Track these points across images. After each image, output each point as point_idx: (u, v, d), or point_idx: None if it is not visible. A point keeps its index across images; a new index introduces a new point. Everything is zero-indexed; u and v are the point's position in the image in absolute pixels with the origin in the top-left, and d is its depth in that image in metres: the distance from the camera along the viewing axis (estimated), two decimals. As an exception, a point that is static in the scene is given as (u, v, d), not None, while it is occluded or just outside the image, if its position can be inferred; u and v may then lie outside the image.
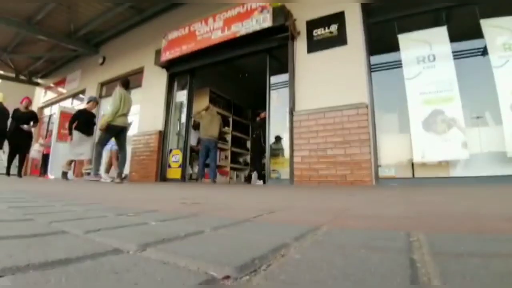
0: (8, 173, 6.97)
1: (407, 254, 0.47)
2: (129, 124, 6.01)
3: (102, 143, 5.42)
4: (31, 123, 7.12)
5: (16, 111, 7.00)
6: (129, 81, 5.87)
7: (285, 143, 5.46)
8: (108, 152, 6.65)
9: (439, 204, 1.53)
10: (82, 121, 6.22)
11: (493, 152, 4.08)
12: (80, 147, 6.11)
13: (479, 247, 0.52)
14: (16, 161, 7.70)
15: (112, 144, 6.16)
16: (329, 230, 0.71)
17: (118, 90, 5.48)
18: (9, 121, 7.08)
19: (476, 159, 4.04)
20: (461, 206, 1.39)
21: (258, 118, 7.14)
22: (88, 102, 6.58)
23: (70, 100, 10.70)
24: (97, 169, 5.40)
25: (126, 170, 7.84)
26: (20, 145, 7.00)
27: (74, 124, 6.12)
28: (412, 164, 4.33)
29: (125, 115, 5.52)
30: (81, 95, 10.21)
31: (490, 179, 3.72)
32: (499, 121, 3.95)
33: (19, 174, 7.14)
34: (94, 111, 6.71)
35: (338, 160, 4.44)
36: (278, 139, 5.81)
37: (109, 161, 6.79)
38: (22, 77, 12.00)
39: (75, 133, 6.08)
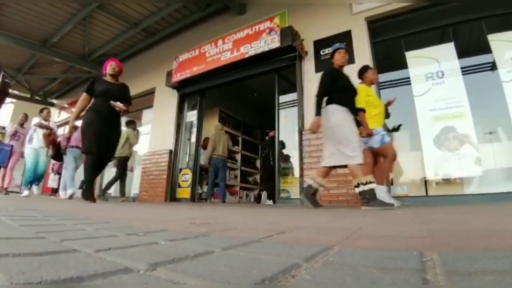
0: (87, 193, 4.00)
1: (420, 274, 0.46)
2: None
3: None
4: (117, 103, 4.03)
5: (99, 80, 4.23)
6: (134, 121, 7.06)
7: (295, 162, 5.43)
8: None
9: (452, 222, 1.49)
10: (341, 88, 3.49)
11: (507, 168, 3.98)
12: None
13: (492, 265, 0.51)
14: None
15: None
16: (341, 250, 0.70)
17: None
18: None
19: (490, 176, 3.95)
20: (475, 224, 1.35)
21: (267, 137, 7.18)
22: (337, 50, 3.63)
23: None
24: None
25: (136, 190, 7.93)
26: (110, 134, 4.10)
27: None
28: (425, 182, 4.25)
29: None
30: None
31: (504, 195, 3.62)
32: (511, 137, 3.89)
33: (89, 194, 4.01)
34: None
35: (349, 179, 4.38)
36: (287, 158, 5.79)
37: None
38: (37, 97, 12.38)
39: (336, 109, 3.37)
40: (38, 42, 8.40)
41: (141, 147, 8.13)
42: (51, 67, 10.13)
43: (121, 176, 6.49)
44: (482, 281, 0.42)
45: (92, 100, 4.15)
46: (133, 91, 8.74)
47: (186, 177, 6.79)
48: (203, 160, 7.01)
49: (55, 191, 8.58)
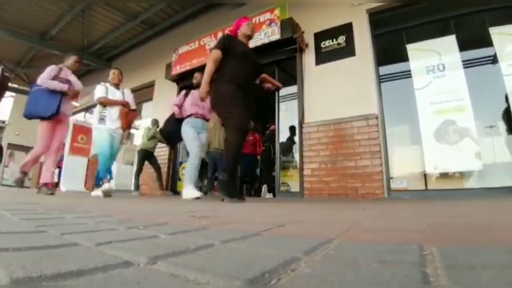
0: (231, 192, 2.91)
1: (420, 267, 0.46)
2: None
3: None
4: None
5: (234, 38, 3.32)
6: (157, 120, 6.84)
7: (295, 155, 5.44)
8: None
9: (452, 216, 1.49)
10: None
11: (507, 162, 3.98)
12: None
13: (492, 259, 0.51)
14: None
15: None
16: (340, 243, 0.70)
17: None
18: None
19: (490, 170, 3.95)
20: (475, 218, 1.35)
21: (268, 131, 7.17)
22: None
23: (83, 113, 10.94)
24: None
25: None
26: (252, 106, 3.45)
27: None
28: (425, 176, 4.26)
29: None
30: (93, 109, 10.43)
31: (504, 190, 3.62)
32: (512, 130, 3.88)
33: (234, 190, 3.09)
34: None
35: (349, 173, 4.39)
36: (288, 151, 5.79)
37: None
38: (36, 90, 12.31)
39: None
40: (37, 35, 8.34)
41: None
42: (50, 60, 10.04)
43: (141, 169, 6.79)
44: (482, 275, 0.42)
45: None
46: (133, 84, 8.77)
47: (186, 171, 6.79)
48: (203, 154, 7.00)
49: (55, 185, 8.55)
